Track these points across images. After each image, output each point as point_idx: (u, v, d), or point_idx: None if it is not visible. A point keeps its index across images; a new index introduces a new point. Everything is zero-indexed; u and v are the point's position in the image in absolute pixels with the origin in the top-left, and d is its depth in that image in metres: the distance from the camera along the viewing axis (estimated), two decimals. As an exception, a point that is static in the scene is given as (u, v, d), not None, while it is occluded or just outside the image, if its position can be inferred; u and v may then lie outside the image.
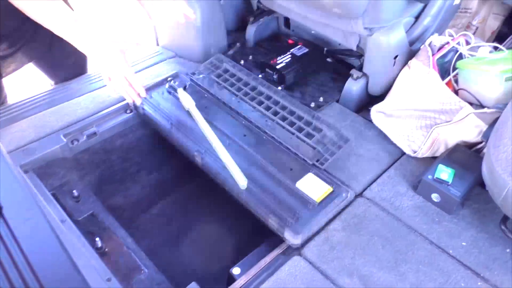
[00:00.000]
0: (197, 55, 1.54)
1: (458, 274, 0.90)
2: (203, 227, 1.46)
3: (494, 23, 1.55)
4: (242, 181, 1.05)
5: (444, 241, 0.96)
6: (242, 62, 1.53)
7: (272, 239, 1.02)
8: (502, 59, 1.16)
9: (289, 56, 1.47)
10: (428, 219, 1.01)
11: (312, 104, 1.35)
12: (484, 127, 1.09)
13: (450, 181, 1.01)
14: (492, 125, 1.00)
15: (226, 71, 1.41)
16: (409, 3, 1.19)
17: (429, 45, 1.23)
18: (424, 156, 1.16)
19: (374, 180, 1.12)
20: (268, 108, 1.27)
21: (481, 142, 1.11)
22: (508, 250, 0.94)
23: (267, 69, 1.44)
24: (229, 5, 1.66)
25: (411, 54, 1.28)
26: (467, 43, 1.26)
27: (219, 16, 1.53)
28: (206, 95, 1.35)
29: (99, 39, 1.05)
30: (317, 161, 1.11)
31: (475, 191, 1.06)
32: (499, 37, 1.54)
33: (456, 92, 1.22)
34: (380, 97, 1.33)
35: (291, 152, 1.15)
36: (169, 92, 1.36)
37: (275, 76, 1.43)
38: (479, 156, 1.08)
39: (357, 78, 1.34)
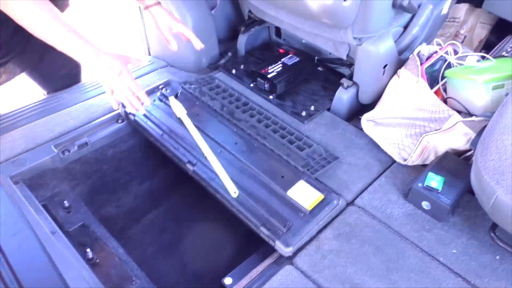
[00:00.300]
0: (189, 64, 1.55)
1: (449, 281, 0.91)
2: (195, 236, 1.45)
3: (481, 32, 1.58)
4: (233, 191, 1.06)
5: (435, 249, 0.97)
6: (233, 71, 1.54)
7: (264, 248, 1.02)
8: (489, 68, 1.18)
9: (280, 65, 1.48)
10: (419, 227, 1.02)
11: (303, 113, 1.36)
12: (472, 135, 1.10)
13: (440, 189, 1.02)
14: (480, 133, 1.01)
15: (218, 86, 1.42)
16: (398, 13, 1.20)
17: (418, 54, 1.24)
18: (415, 164, 1.17)
19: (365, 189, 1.13)
20: (259, 121, 1.29)
21: (470, 150, 1.12)
22: (498, 257, 0.95)
23: (258, 78, 1.45)
24: (221, 14, 1.67)
25: (400, 63, 1.29)
26: (455, 52, 1.28)
27: (210, 26, 1.54)
28: (197, 103, 1.36)
29: (102, 50, 1.04)
30: (308, 170, 1.12)
31: (465, 198, 1.07)
32: (487, 46, 1.56)
33: (445, 100, 1.23)
34: (371, 106, 1.34)
35: (282, 159, 1.16)
36: (161, 100, 1.36)
37: (266, 85, 1.44)
38: (468, 163, 1.09)
39: (348, 87, 1.35)
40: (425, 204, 1.04)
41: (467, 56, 1.25)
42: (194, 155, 1.17)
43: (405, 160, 1.18)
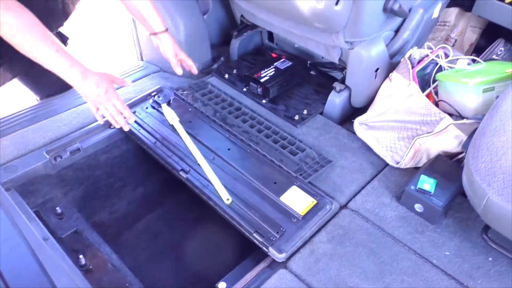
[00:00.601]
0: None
1: (442, 283, 0.91)
2: (189, 241, 1.45)
3: (472, 36, 1.60)
4: (226, 198, 1.06)
5: (428, 251, 0.97)
6: (226, 76, 1.54)
7: (257, 252, 1.02)
8: (480, 71, 1.19)
9: (273, 69, 1.49)
10: (411, 229, 1.02)
11: (296, 117, 1.36)
12: (464, 137, 1.11)
13: (433, 191, 1.03)
14: (471, 135, 1.02)
15: (211, 91, 1.42)
16: (389, 18, 1.21)
17: (409, 58, 1.25)
18: (407, 166, 1.18)
19: (359, 192, 1.13)
20: (252, 126, 1.30)
21: (461, 152, 1.13)
22: (490, 259, 0.95)
23: (251, 83, 1.46)
24: (213, 19, 1.67)
25: (392, 66, 1.30)
26: (446, 55, 1.29)
27: (203, 31, 1.54)
28: (190, 109, 1.36)
29: (89, 69, 1.06)
30: (301, 175, 1.12)
31: (457, 200, 1.08)
32: (477, 49, 1.58)
33: (436, 103, 1.24)
34: (363, 109, 1.35)
35: (275, 165, 1.16)
36: (153, 107, 1.36)
37: (259, 90, 1.44)
38: (460, 166, 1.10)
39: (340, 90, 1.36)
40: (418, 207, 1.04)
41: (457, 59, 1.26)
42: (187, 163, 1.17)
43: (397, 163, 1.18)
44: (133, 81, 1.51)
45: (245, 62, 1.64)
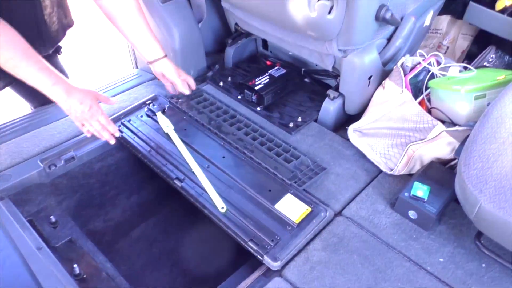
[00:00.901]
0: (176, 77, 1.55)
1: (436, 290, 0.91)
2: (184, 249, 1.45)
3: (463, 43, 1.62)
4: (220, 207, 1.06)
5: (422, 258, 0.98)
6: (221, 83, 1.55)
7: (252, 260, 1.02)
8: (472, 79, 1.21)
9: (267, 77, 1.49)
10: (406, 236, 1.03)
11: (291, 124, 1.37)
12: (456, 144, 1.12)
13: (426, 198, 1.03)
14: (463, 142, 1.03)
15: (205, 99, 1.43)
16: (381, 26, 1.22)
17: (401, 65, 1.26)
18: (401, 173, 1.19)
19: (353, 199, 1.13)
20: (247, 134, 1.30)
21: (454, 159, 1.14)
22: (483, 265, 0.96)
23: (246, 90, 1.46)
24: (208, 27, 1.68)
25: (385, 74, 1.31)
26: (438, 63, 1.30)
27: (197, 39, 1.55)
28: (185, 117, 1.36)
29: (73, 86, 1.07)
30: (295, 182, 1.13)
31: (451, 206, 1.08)
32: (469, 56, 1.60)
33: (429, 110, 1.26)
34: (357, 116, 1.36)
35: (270, 173, 1.17)
36: (148, 116, 1.37)
37: (253, 97, 1.45)
38: (453, 172, 1.11)
39: (334, 98, 1.37)
40: (412, 213, 1.05)
41: (449, 66, 1.28)
42: (182, 171, 1.17)
43: (391, 169, 1.19)
44: (128, 89, 1.51)
45: (239, 69, 1.65)
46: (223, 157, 1.22)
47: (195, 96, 1.45)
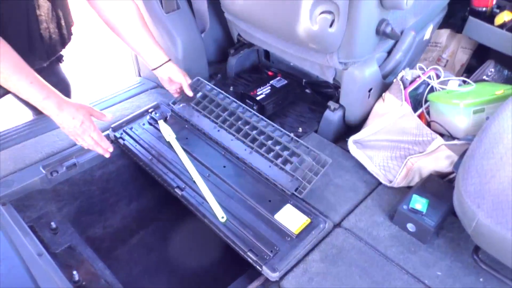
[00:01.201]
0: (179, 86, 1.57)
1: (434, 303, 0.92)
2: (182, 257, 1.45)
3: (463, 57, 1.63)
4: (220, 216, 1.06)
5: (420, 271, 0.98)
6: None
7: (251, 270, 1.03)
8: (470, 93, 1.22)
9: (269, 87, 1.51)
10: (404, 249, 1.03)
11: (291, 135, 1.38)
12: (455, 157, 1.13)
13: (425, 211, 1.04)
14: (462, 156, 1.04)
15: (204, 97, 1.40)
16: (381, 40, 1.24)
17: (401, 79, 1.28)
18: (400, 185, 1.20)
19: (352, 210, 1.14)
20: (246, 135, 1.27)
21: (453, 172, 1.15)
22: (481, 279, 0.96)
23: (247, 100, 1.48)
24: (210, 37, 1.70)
25: (385, 87, 1.33)
26: (437, 76, 1.32)
27: (200, 49, 1.57)
28: (186, 126, 1.37)
29: (65, 100, 1.06)
30: (296, 189, 1.13)
31: (449, 220, 1.09)
32: (468, 69, 1.62)
33: (428, 123, 1.27)
34: (357, 128, 1.37)
35: (270, 183, 1.17)
36: (150, 124, 1.38)
37: (255, 107, 1.46)
38: (451, 185, 1.11)
39: (334, 109, 1.38)
40: (410, 226, 1.06)
41: (449, 80, 1.30)
42: (182, 180, 1.18)
43: (390, 182, 1.20)
44: (130, 97, 1.53)
45: (241, 79, 1.66)
46: (224, 166, 1.22)
47: (195, 92, 1.41)
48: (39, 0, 1.14)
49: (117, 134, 1.32)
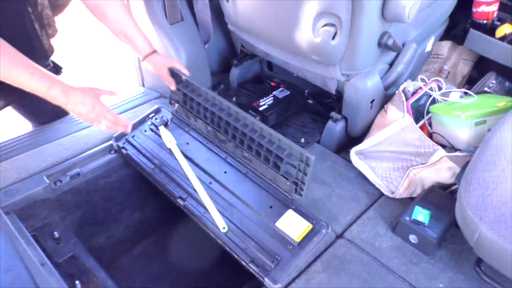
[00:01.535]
0: (182, 96, 1.58)
1: (436, 316, 0.92)
2: (185, 268, 1.45)
3: (464, 68, 1.64)
4: (222, 227, 1.06)
5: (422, 283, 0.98)
6: (225, 103, 1.57)
7: (253, 280, 1.02)
8: (472, 105, 1.23)
9: (272, 98, 1.52)
10: (406, 260, 1.03)
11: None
12: (457, 169, 1.13)
13: (427, 223, 1.04)
14: (464, 168, 1.05)
15: (192, 99, 1.31)
16: (383, 52, 1.25)
17: (403, 90, 1.29)
18: (402, 197, 1.20)
19: (354, 221, 1.14)
20: (241, 141, 1.20)
21: (455, 184, 1.15)
22: (483, 292, 0.96)
23: (250, 111, 1.49)
24: (214, 48, 1.72)
25: (387, 98, 1.34)
26: (439, 88, 1.33)
27: (203, 60, 1.58)
28: (187, 130, 1.35)
29: (71, 86, 1.03)
30: (295, 191, 1.08)
31: (451, 231, 1.09)
32: (470, 81, 1.63)
33: (430, 135, 1.28)
34: (359, 139, 1.38)
35: (271, 187, 1.15)
36: (152, 130, 1.36)
37: (257, 118, 1.47)
38: (453, 197, 1.12)
39: (337, 120, 1.39)
40: (413, 238, 1.06)
41: (450, 92, 1.30)
42: (185, 189, 1.18)
43: (393, 193, 1.20)
44: (134, 107, 1.53)
45: (244, 90, 1.67)
46: (225, 172, 1.21)
47: (184, 95, 1.34)
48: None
49: (120, 144, 1.33)
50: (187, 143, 1.32)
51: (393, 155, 1.25)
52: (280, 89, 1.57)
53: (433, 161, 1.16)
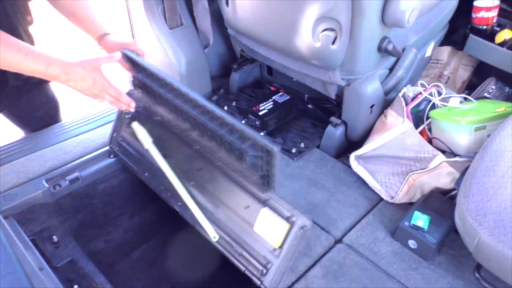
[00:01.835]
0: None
1: (436, 322, 0.91)
2: (183, 272, 1.44)
3: (464, 74, 1.65)
4: (212, 236, 1.03)
5: (421, 288, 0.98)
6: (225, 108, 1.58)
7: (252, 286, 1.02)
8: (472, 110, 1.23)
9: (271, 102, 1.52)
10: (405, 266, 1.03)
11: (294, 150, 1.39)
12: (456, 174, 1.13)
13: (426, 228, 1.04)
14: (463, 173, 1.04)
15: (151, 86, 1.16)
16: (383, 57, 1.26)
17: (403, 95, 1.29)
18: (401, 202, 1.20)
19: (353, 226, 1.14)
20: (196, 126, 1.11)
21: (454, 189, 1.15)
22: (483, 297, 0.96)
23: (250, 115, 1.49)
24: (214, 52, 1.72)
25: (387, 103, 1.34)
26: (439, 93, 1.33)
27: (203, 64, 1.59)
28: (155, 118, 1.22)
29: (69, 63, 0.99)
30: (266, 184, 0.97)
31: (451, 237, 1.09)
32: (469, 87, 1.63)
33: (429, 140, 1.27)
34: (359, 143, 1.37)
35: (245, 182, 1.03)
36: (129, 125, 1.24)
37: (257, 122, 1.47)
38: (453, 202, 1.12)
39: (336, 125, 1.39)
40: (412, 243, 1.05)
41: (450, 97, 1.30)
42: (176, 198, 1.12)
43: (392, 198, 1.20)
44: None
45: (244, 94, 1.67)
46: (200, 169, 1.11)
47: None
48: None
49: (114, 147, 1.29)
50: (159, 138, 1.19)
51: (392, 160, 1.25)
52: (280, 93, 1.58)
53: (433, 166, 1.16)
